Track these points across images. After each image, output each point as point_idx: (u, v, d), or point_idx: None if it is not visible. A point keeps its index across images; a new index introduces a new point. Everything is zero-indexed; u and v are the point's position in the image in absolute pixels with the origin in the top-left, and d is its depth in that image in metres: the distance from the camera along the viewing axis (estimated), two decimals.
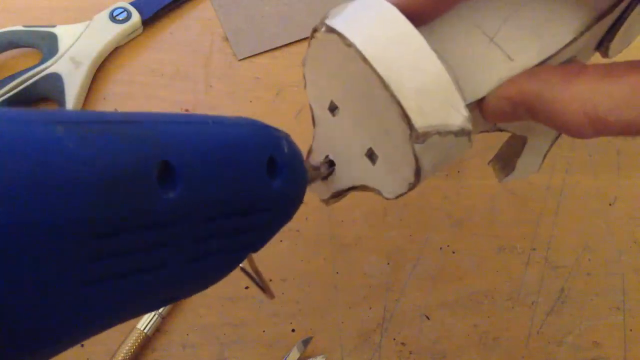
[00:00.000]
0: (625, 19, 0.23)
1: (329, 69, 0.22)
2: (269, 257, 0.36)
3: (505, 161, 0.29)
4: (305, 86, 0.24)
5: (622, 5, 0.23)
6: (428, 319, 0.35)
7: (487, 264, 0.36)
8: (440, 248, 0.37)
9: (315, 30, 0.21)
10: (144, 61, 0.42)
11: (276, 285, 0.35)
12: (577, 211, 0.38)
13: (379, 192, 0.23)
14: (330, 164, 0.25)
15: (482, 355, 0.34)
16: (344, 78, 0.21)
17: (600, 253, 0.37)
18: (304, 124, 0.40)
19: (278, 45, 0.43)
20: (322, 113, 0.24)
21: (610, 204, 0.39)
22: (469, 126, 0.20)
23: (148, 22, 0.42)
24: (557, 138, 0.27)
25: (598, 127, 0.19)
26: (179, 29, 0.43)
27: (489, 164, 0.30)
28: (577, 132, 0.20)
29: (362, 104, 0.21)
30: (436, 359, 0.34)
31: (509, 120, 0.22)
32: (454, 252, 0.37)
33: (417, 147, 0.19)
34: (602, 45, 0.24)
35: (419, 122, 0.19)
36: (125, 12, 0.42)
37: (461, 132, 0.20)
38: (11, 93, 0.38)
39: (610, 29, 0.24)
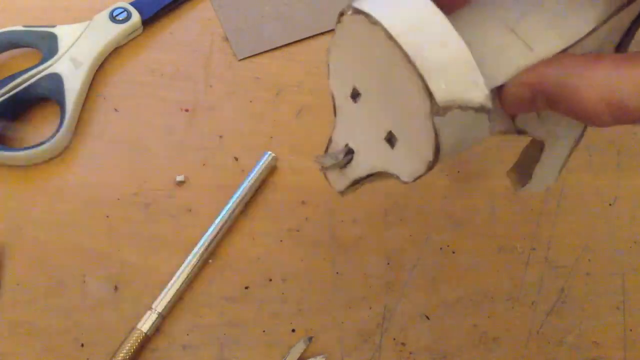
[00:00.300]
0: None
1: (353, 53, 0.23)
2: (269, 257, 0.36)
3: (523, 171, 0.29)
4: (328, 76, 0.25)
5: None
6: (428, 319, 0.35)
7: (487, 264, 0.36)
8: (440, 248, 0.37)
9: (341, 15, 0.22)
10: (144, 61, 0.42)
11: (276, 285, 0.35)
12: (577, 211, 0.38)
13: (397, 177, 0.23)
14: (349, 152, 0.25)
15: (482, 355, 0.34)
16: (368, 60, 0.22)
17: (600, 253, 0.37)
18: (304, 124, 0.40)
19: (278, 45, 0.43)
20: (343, 101, 0.25)
21: (610, 204, 0.39)
22: (488, 104, 0.20)
23: (148, 22, 0.42)
24: (576, 144, 0.28)
25: (617, 114, 0.19)
26: (179, 29, 0.43)
27: (506, 174, 0.30)
28: (596, 118, 0.20)
29: (385, 85, 0.22)
30: (436, 359, 0.34)
31: (527, 110, 0.22)
32: (454, 252, 0.37)
33: (437, 120, 0.20)
34: (622, 47, 0.24)
35: (440, 95, 0.19)
36: (125, 12, 0.42)
37: (481, 109, 0.20)
38: (11, 93, 0.38)
39: (629, 29, 0.24)
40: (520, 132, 0.26)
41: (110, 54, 0.41)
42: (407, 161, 0.23)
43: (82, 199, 0.37)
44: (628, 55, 0.20)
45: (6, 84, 0.38)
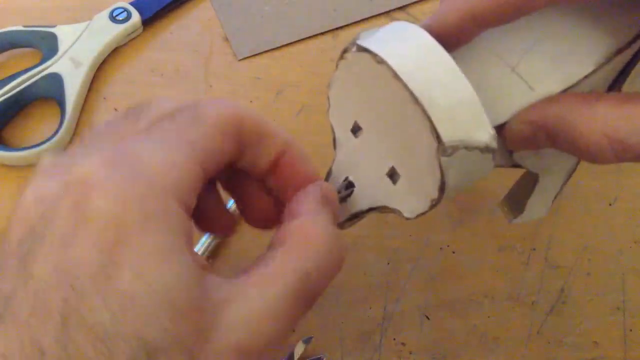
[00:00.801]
0: (636, 62, 0.24)
1: (356, 89, 0.23)
2: None
3: (515, 202, 0.29)
4: (328, 109, 0.25)
5: (636, 46, 0.23)
6: (428, 319, 0.35)
7: (487, 264, 0.36)
8: (440, 248, 0.37)
9: (345, 52, 0.22)
10: (144, 61, 0.42)
11: None
12: (577, 211, 0.38)
13: (399, 213, 0.23)
14: (349, 185, 0.25)
15: (482, 355, 0.34)
16: (372, 97, 0.22)
17: (600, 253, 0.37)
18: (304, 124, 0.40)
19: (278, 45, 0.43)
20: (344, 135, 0.24)
21: (610, 204, 0.39)
22: (494, 144, 0.20)
23: (148, 22, 0.42)
24: (568, 178, 0.28)
25: (618, 150, 0.20)
26: (179, 29, 0.43)
27: (498, 205, 0.30)
28: (598, 155, 0.20)
29: (388, 123, 0.22)
30: (436, 359, 0.34)
31: (528, 147, 0.23)
32: (454, 252, 0.37)
33: (444, 160, 0.20)
34: (615, 87, 0.25)
35: (448, 136, 0.20)
36: (125, 12, 0.42)
37: (487, 149, 0.20)
38: (11, 93, 0.38)
39: (623, 70, 0.24)
40: (516, 166, 0.26)
41: (110, 54, 0.41)
42: (409, 198, 0.22)
43: None
44: (628, 95, 0.20)
45: (6, 84, 0.38)
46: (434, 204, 0.22)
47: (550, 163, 0.26)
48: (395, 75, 0.20)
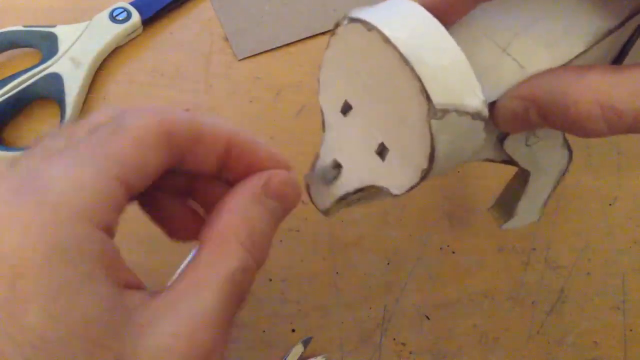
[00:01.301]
0: (634, 42, 0.24)
1: (347, 65, 0.23)
2: (269, 257, 0.36)
3: (505, 207, 0.29)
4: (319, 91, 0.24)
5: (632, 25, 0.23)
6: (428, 319, 0.35)
7: (487, 264, 0.36)
8: (440, 248, 0.37)
9: (336, 27, 0.22)
10: (144, 61, 0.42)
11: (276, 285, 0.35)
12: (577, 211, 0.38)
13: (387, 191, 0.23)
14: (336, 167, 0.25)
15: (482, 355, 0.34)
16: (363, 70, 0.22)
17: (600, 253, 0.37)
18: (304, 124, 0.40)
19: (278, 45, 0.43)
20: (333, 116, 0.24)
21: (610, 204, 0.39)
22: (485, 111, 0.20)
23: (148, 22, 0.42)
24: (558, 182, 0.28)
25: (611, 119, 0.19)
26: (179, 29, 0.43)
27: (488, 210, 0.30)
28: (590, 125, 0.20)
29: (379, 93, 0.22)
30: (436, 359, 0.34)
31: (520, 127, 0.22)
32: (454, 252, 0.37)
33: (434, 123, 0.19)
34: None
35: (438, 97, 0.19)
36: (125, 12, 0.42)
37: (477, 115, 0.20)
38: (11, 93, 0.38)
39: (622, 50, 0.24)
40: (507, 162, 0.26)
41: (110, 54, 0.41)
42: (398, 172, 0.22)
43: None
44: (617, 66, 0.20)
45: (6, 84, 0.38)
46: (424, 175, 0.21)
47: (540, 156, 0.26)
48: (386, 39, 0.20)
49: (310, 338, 0.34)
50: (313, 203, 0.26)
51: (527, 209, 0.29)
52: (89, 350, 0.16)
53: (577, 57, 0.22)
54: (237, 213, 0.21)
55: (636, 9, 0.23)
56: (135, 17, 0.42)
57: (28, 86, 0.38)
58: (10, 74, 0.38)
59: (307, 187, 0.26)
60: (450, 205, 0.38)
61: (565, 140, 0.27)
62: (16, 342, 0.15)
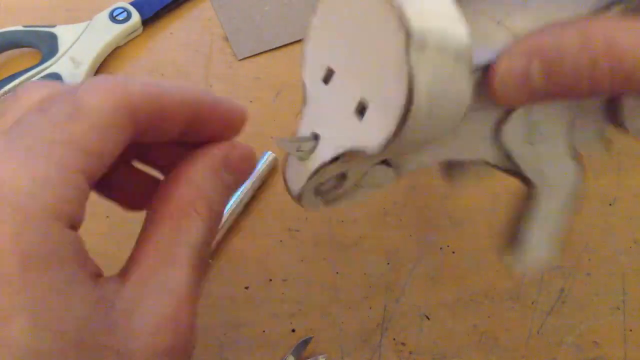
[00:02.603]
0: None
1: (331, 25, 0.22)
2: (269, 257, 0.36)
3: (513, 238, 0.27)
4: (302, 65, 0.24)
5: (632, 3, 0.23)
6: (428, 319, 0.35)
7: (487, 264, 0.36)
8: (440, 248, 0.37)
9: None
10: (144, 61, 0.42)
11: (276, 285, 0.35)
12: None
13: (363, 151, 0.21)
14: (313, 138, 0.23)
15: (482, 355, 0.34)
16: (346, 24, 0.21)
17: (600, 253, 0.37)
18: None
19: (278, 45, 0.43)
20: (314, 87, 0.23)
21: (610, 204, 0.39)
22: (468, 53, 0.19)
23: (148, 22, 0.42)
24: (573, 200, 0.26)
25: (615, 65, 0.18)
26: (179, 29, 0.43)
27: (498, 253, 0.28)
28: (594, 72, 0.18)
29: (361, 45, 0.21)
30: (436, 359, 0.34)
31: (518, 91, 0.20)
32: (454, 252, 0.37)
33: (413, 55, 0.18)
34: None
35: (416, 23, 0.18)
36: (125, 12, 0.42)
37: (460, 58, 0.19)
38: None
39: None
40: (509, 170, 0.25)
41: (110, 54, 0.41)
42: (377, 124, 0.20)
43: None
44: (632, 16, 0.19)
45: (6, 84, 0.38)
46: (403, 120, 0.19)
47: (545, 163, 0.25)
48: None
49: (311, 338, 0.34)
50: (286, 188, 0.24)
51: (539, 238, 0.26)
52: (88, 355, 0.15)
53: None
54: (196, 186, 0.20)
55: None
56: (135, 17, 0.42)
57: None
58: (10, 74, 0.38)
59: (284, 173, 0.25)
60: (450, 205, 0.38)
61: (574, 150, 0.26)
62: None
